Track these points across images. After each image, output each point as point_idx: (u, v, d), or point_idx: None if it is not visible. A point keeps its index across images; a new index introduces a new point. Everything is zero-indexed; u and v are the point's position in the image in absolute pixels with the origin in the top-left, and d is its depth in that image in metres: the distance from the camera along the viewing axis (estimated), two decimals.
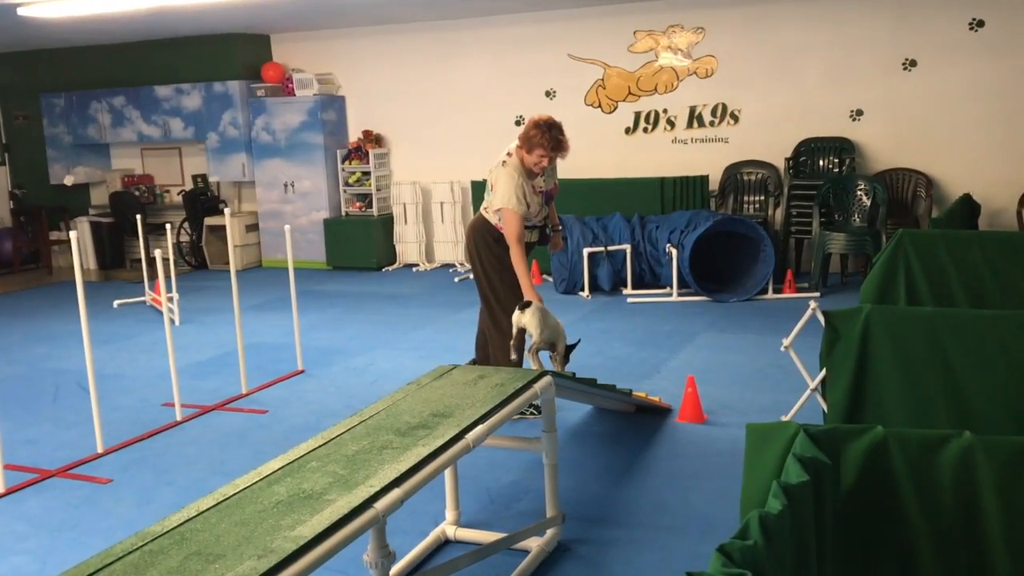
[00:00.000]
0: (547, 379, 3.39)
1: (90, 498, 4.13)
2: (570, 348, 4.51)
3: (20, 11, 7.17)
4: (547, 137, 4.56)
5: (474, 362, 5.06)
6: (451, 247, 9.78)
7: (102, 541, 3.64)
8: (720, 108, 8.69)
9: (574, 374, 4.03)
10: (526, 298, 4.47)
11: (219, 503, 2.35)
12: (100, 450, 4.67)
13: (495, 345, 4.79)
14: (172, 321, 5.42)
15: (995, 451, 2.14)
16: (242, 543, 2.12)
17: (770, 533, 1.68)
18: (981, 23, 7.75)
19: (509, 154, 4.70)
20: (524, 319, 4.27)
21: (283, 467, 2.58)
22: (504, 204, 4.61)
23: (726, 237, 7.59)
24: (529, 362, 4.31)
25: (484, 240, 4.81)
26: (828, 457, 2.11)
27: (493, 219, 4.79)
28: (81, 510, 4.01)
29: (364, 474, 2.50)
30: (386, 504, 2.36)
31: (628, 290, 7.92)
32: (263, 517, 2.25)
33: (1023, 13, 7.65)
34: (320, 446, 2.74)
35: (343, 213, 10.03)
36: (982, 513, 2.15)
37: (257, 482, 2.48)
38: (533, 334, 4.27)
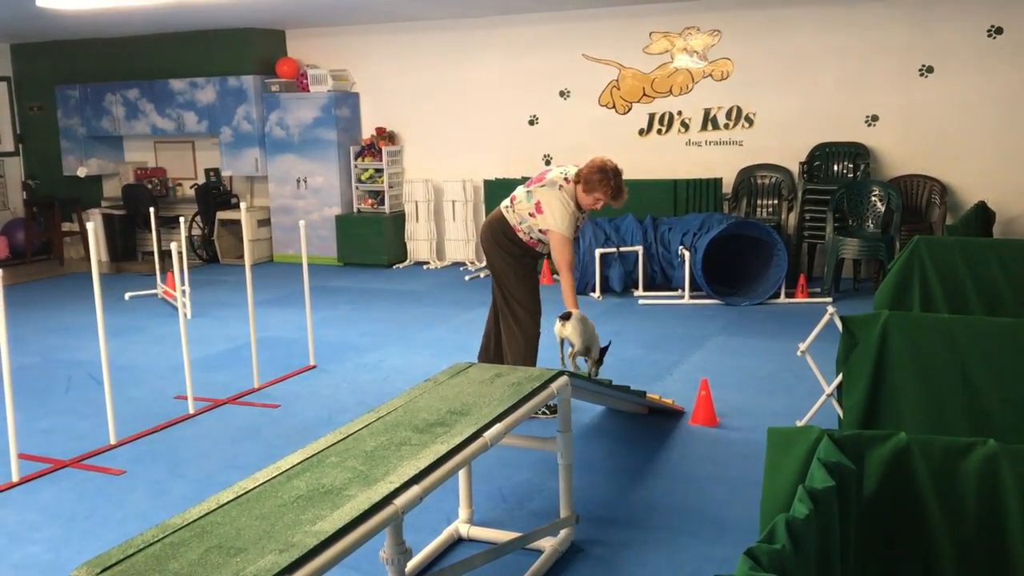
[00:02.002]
0: (563, 379, 3.39)
1: (103, 489, 4.14)
2: (603, 350, 4.53)
3: (38, 2, 7.19)
4: (610, 185, 4.59)
5: None
6: (462, 245, 9.78)
7: (116, 532, 3.66)
8: (735, 111, 8.67)
9: (611, 381, 4.07)
10: (567, 309, 4.51)
11: (239, 496, 2.35)
12: (113, 441, 4.68)
13: (511, 339, 4.79)
14: (184, 314, 5.43)
15: (1020, 460, 2.13)
16: (263, 537, 2.12)
17: (797, 538, 1.67)
18: (1000, 30, 7.71)
19: (567, 180, 4.69)
20: (566, 331, 4.32)
21: (302, 462, 2.58)
22: (558, 229, 4.63)
23: (739, 240, 7.58)
24: (569, 367, 4.33)
25: (496, 237, 4.82)
26: (851, 462, 2.10)
27: (513, 219, 4.78)
28: (95, 501, 4.02)
29: (383, 470, 2.50)
30: (405, 501, 2.36)
31: (639, 292, 7.91)
32: (283, 511, 2.25)
33: None
34: (339, 441, 2.74)
35: (355, 210, 10.03)
36: (1006, 522, 2.13)
37: (276, 476, 2.48)
38: (575, 343, 4.34)
